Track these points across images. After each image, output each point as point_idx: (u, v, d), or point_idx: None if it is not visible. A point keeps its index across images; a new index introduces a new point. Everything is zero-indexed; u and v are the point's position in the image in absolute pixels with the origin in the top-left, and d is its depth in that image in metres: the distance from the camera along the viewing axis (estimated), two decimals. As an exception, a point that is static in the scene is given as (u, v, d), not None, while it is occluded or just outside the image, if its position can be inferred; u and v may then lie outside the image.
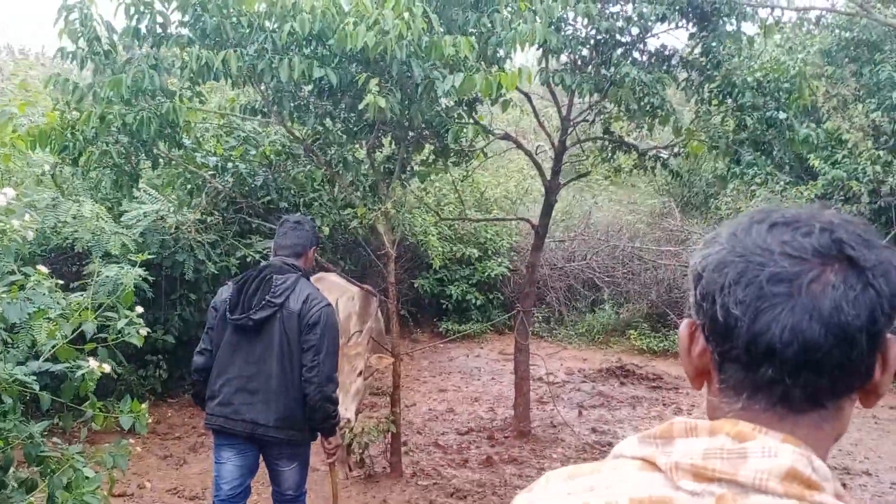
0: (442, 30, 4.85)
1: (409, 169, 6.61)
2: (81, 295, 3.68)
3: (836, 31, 11.68)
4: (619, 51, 6.29)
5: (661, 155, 7.36)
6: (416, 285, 12.19)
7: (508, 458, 7.09)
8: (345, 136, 6.01)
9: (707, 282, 0.91)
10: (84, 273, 4.08)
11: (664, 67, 6.40)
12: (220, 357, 4.21)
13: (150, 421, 3.84)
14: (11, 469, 3.20)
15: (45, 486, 3.22)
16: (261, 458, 4.37)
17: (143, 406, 3.63)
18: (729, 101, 6.48)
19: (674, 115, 6.37)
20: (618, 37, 6.26)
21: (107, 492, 3.57)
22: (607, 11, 6.24)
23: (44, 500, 3.17)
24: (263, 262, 4.36)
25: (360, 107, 4.82)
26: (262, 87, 5.39)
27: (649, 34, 6.38)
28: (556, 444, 7.53)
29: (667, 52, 6.53)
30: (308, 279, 4.29)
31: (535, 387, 8.59)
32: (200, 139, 6.69)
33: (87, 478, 3.32)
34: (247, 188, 7.17)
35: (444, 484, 6.41)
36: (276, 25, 4.83)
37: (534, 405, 8.29)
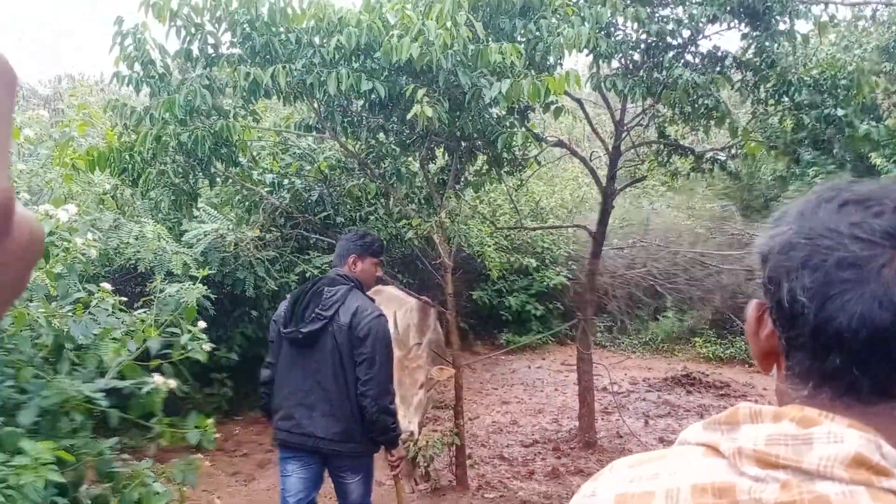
0: (489, 38, 4.85)
1: (462, 179, 6.61)
2: (145, 312, 3.73)
3: (893, 27, 11.39)
4: (671, 53, 6.21)
5: (719, 157, 7.24)
6: (474, 297, 12.17)
7: (575, 470, 7.01)
8: (398, 149, 6.03)
9: (774, 265, 0.88)
10: (147, 292, 4.14)
11: (717, 68, 6.30)
12: (280, 371, 4.25)
13: (217, 437, 3.87)
14: (83, 486, 3.24)
15: (117, 502, 3.26)
16: (325, 471, 4.38)
17: (210, 421, 3.66)
18: (785, 99, 6.35)
19: (729, 117, 6.27)
20: (669, 39, 6.18)
21: (177, 507, 3.60)
22: (657, 15, 6.17)
23: (116, 515, 3.21)
24: (322, 276, 4.37)
25: (409, 117, 4.84)
26: (314, 103, 5.44)
27: (701, 36, 6.29)
28: (623, 455, 7.40)
29: (720, 54, 6.42)
30: (361, 290, 4.28)
31: (599, 397, 8.50)
32: (256, 157, 6.77)
33: (157, 493, 3.34)
34: (303, 204, 7.23)
35: (510, 496, 6.36)
36: (323, 40, 4.88)
37: (599, 415, 8.19)
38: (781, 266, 0.86)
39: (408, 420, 5.45)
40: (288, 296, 4.41)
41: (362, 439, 4.17)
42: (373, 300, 4.34)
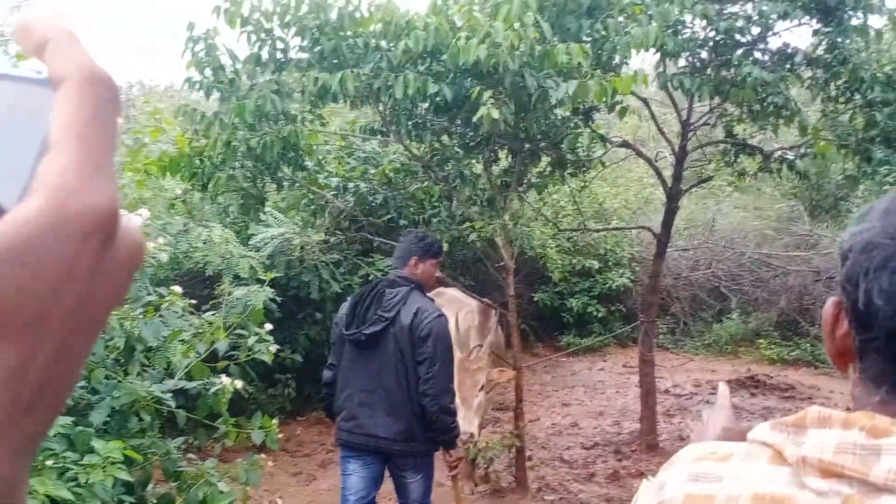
0: (555, 38, 4.82)
1: (525, 181, 6.58)
2: (213, 314, 3.79)
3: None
4: (740, 51, 6.10)
5: (787, 156, 7.10)
6: (535, 299, 12.11)
7: (636, 473, 6.94)
8: (461, 152, 6.03)
9: (852, 263, 0.84)
10: (215, 295, 4.21)
11: (787, 66, 6.18)
12: (343, 372, 4.31)
13: (280, 438, 3.92)
14: (150, 485, 3.31)
15: (182, 501, 3.32)
16: (386, 471, 4.42)
17: (274, 422, 3.71)
18: (857, 97, 6.20)
19: (799, 115, 6.15)
20: (737, 37, 6.08)
21: (241, 507, 3.65)
22: (726, 12, 6.07)
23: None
24: (381, 279, 4.41)
25: (474, 119, 4.83)
26: (380, 107, 5.47)
27: (770, 32, 6.17)
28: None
29: (790, 50, 6.29)
30: (421, 291, 4.30)
31: (661, 399, 8.40)
32: (322, 161, 6.84)
33: (221, 492, 3.40)
34: (368, 207, 7.29)
35: (570, 499, 6.32)
36: (390, 44, 4.90)
37: (661, 418, 8.09)
38: (860, 265, 0.83)
39: (468, 421, 5.46)
40: (349, 298, 4.45)
41: (423, 439, 4.19)
42: (433, 301, 4.35)
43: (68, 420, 2.88)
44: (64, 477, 2.70)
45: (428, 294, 4.41)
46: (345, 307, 4.36)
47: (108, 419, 3.19)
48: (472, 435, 5.52)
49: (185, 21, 5.21)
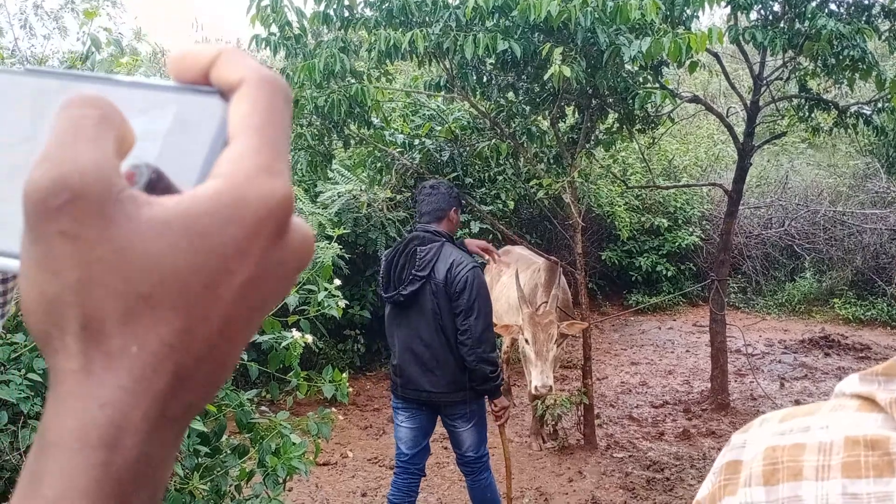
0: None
1: (593, 138, 6.50)
2: (283, 270, 3.84)
3: None
4: (814, 2, 5.91)
5: (864, 111, 6.88)
6: (603, 258, 12.02)
7: (706, 432, 6.89)
8: (528, 108, 5.98)
9: None
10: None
11: (864, 18, 5.97)
12: (388, 328, 4.46)
13: (350, 392, 3.98)
14: (225, 436, 3.39)
15: (256, 451, 3.39)
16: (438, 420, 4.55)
17: (344, 376, 3.76)
18: (938, 50, 5.97)
19: (876, 68, 5.93)
20: (812, -12, 5.89)
21: (312, 458, 3.73)
22: (800, -38, 5.88)
23: (254, 464, 3.35)
24: (409, 235, 4.41)
25: (545, 77, 4.78)
26: (447, 63, 5.44)
27: (847, -17, 5.97)
28: (757, 418, 7.24)
29: (866, 2, 6.07)
30: (454, 243, 4.33)
31: (732, 359, 8.30)
32: (388, 118, 6.85)
33: (294, 444, 3.47)
34: (434, 164, 7.28)
35: (639, 457, 6.31)
36: (459, 1, 4.86)
37: (732, 377, 8.01)
38: None
39: (545, 375, 5.50)
40: (382, 256, 4.50)
41: (470, 387, 4.28)
42: (466, 251, 4.38)
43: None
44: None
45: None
46: (383, 264, 4.44)
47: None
48: (550, 388, 5.55)
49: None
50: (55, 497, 0.33)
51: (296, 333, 3.52)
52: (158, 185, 0.36)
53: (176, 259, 0.34)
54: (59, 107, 0.36)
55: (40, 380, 2.77)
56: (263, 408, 3.78)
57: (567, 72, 4.58)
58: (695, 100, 7.01)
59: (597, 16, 4.58)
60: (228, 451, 3.34)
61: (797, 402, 7.68)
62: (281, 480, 3.35)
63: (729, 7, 5.90)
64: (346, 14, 5.22)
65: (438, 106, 7.41)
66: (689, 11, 5.22)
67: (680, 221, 12.46)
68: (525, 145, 6.11)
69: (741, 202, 7.87)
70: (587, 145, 6.39)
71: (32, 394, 2.72)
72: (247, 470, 3.32)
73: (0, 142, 0.39)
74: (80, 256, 0.33)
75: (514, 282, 5.84)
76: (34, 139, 0.38)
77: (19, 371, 2.73)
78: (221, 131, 0.38)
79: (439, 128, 7.17)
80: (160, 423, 0.35)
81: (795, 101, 7.26)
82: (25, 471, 0.34)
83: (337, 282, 3.86)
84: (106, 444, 0.33)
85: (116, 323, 0.34)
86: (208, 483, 3.03)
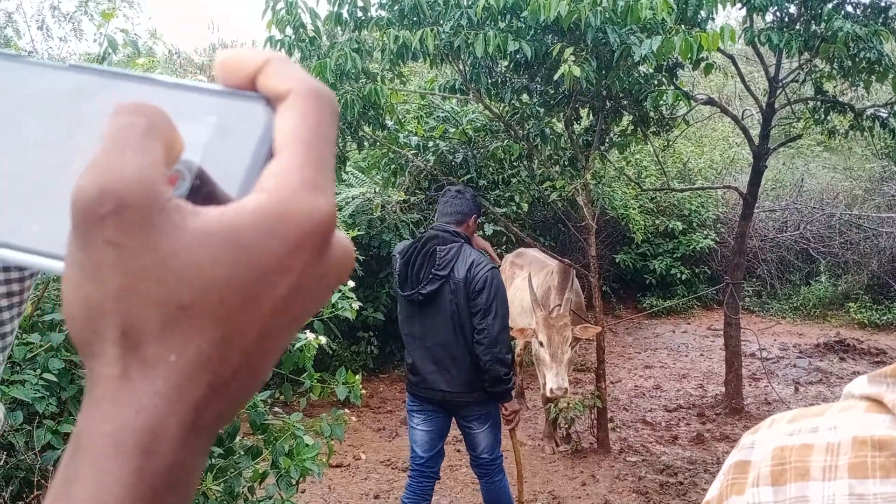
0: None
1: (607, 140, 6.49)
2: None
3: None
4: (830, 4, 5.88)
5: (880, 114, 6.84)
6: (617, 260, 11.99)
7: (720, 436, 6.86)
8: (542, 110, 5.97)
9: None
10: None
11: (881, 20, 5.93)
12: (403, 328, 4.46)
13: (363, 394, 3.98)
14: (238, 437, 3.40)
15: (269, 452, 3.40)
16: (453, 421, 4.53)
17: (357, 377, 3.77)
18: (956, 53, 5.92)
19: (893, 71, 5.90)
20: (828, -11, 5.86)
21: (325, 460, 3.73)
22: (816, -37, 5.86)
23: (267, 466, 3.35)
24: (426, 233, 4.41)
25: (556, 77, 4.78)
26: (460, 65, 5.44)
27: (863, -15, 5.94)
28: (767, 418, 7.19)
29: (883, 4, 6.03)
30: (471, 245, 4.34)
31: (746, 363, 8.26)
32: (402, 120, 6.85)
33: (307, 445, 3.47)
34: (447, 166, 7.30)
35: (653, 461, 6.29)
36: (470, 1, 4.86)
37: (746, 382, 7.97)
38: None
39: (560, 377, 5.51)
40: (396, 253, 4.50)
41: (482, 388, 4.27)
42: (481, 253, 4.38)
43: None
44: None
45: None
46: (396, 263, 4.42)
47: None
48: (565, 390, 5.54)
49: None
50: (87, 500, 0.33)
51: (309, 335, 3.52)
52: (201, 190, 0.37)
53: (217, 270, 0.35)
54: (109, 113, 0.36)
55: (55, 380, 2.77)
56: (277, 409, 3.78)
57: (577, 71, 4.58)
58: (710, 102, 6.98)
59: (607, 15, 4.57)
60: (242, 453, 3.34)
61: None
62: (294, 482, 3.35)
63: (744, 9, 5.88)
64: (360, 15, 5.23)
65: (452, 108, 7.41)
66: (703, 14, 5.20)
67: (694, 224, 12.42)
68: (539, 147, 6.10)
69: (756, 205, 7.83)
70: (601, 147, 6.37)
71: (48, 394, 2.73)
72: (260, 471, 3.32)
73: (42, 136, 0.39)
74: (123, 265, 0.34)
75: (527, 284, 5.83)
76: (75, 136, 0.39)
77: (35, 371, 2.74)
78: (265, 139, 0.38)
79: (453, 130, 7.18)
80: (194, 431, 0.35)
81: (811, 104, 7.22)
82: (59, 473, 0.35)
83: (351, 283, 3.86)
84: (141, 450, 0.34)
85: (155, 331, 0.34)
86: (221, 484, 3.04)
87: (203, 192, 0.37)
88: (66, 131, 0.39)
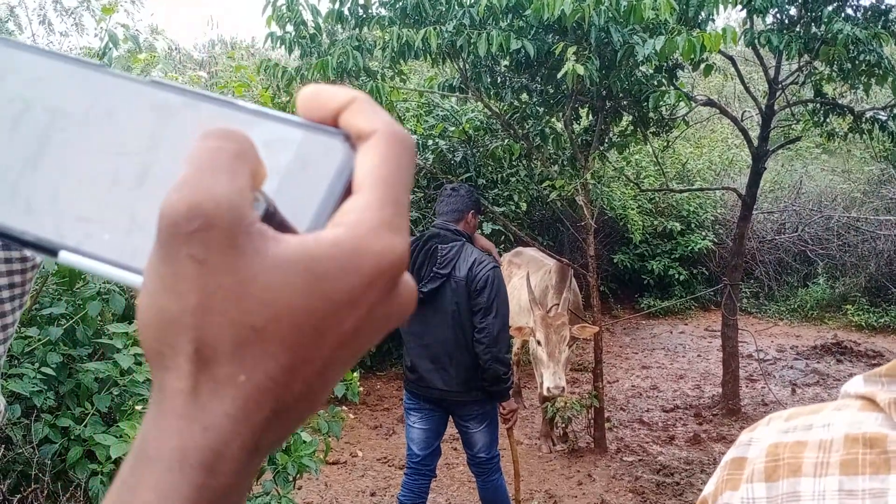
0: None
1: (607, 140, 6.49)
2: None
3: None
4: (831, 7, 5.89)
5: (880, 117, 6.84)
6: (615, 260, 11.99)
7: (717, 437, 6.87)
8: (542, 109, 5.97)
9: None
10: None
11: (881, 22, 5.94)
12: (402, 325, 4.37)
13: (360, 391, 3.98)
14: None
15: (267, 448, 3.40)
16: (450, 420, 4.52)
17: (355, 375, 3.77)
18: (955, 56, 5.93)
19: (892, 74, 5.91)
20: (828, -8, 5.87)
21: (322, 457, 3.73)
22: (817, -35, 5.86)
23: (264, 462, 3.35)
24: (427, 232, 4.42)
25: (559, 76, 4.78)
26: (460, 64, 5.44)
27: (863, -13, 5.95)
28: (765, 417, 7.20)
29: (883, 7, 6.04)
30: (472, 243, 4.34)
31: (744, 364, 8.27)
32: (402, 118, 6.85)
33: (304, 442, 3.48)
34: (447, 165, 7.30)
35: (649, 461, 6.30)
36: (472, 0, 4.86)
37: (743, 383, 7.98)
38: None
39: (557, 376, 5.51)
40: None
41: (480, 387, 4.26)
42: (482, 251, 4.38)
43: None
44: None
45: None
46: None
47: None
48: (563, 389, 5.54)
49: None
50: None
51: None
52: (273, 219, 0.37)
53: (292, 298, 0.35)
54: (194, 135, 0.37)
55: (53, 374, 2.78)
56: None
57: (580, 70, 4.58)
58: (709, 103, 6.99)
59: (610, 15, 4.58)
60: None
61: (809, 408, 7.64)
62: (291, 478, 3.35)
63: (745, 11, 5.89)
64: (361, 12, 5.23)
65: (452, 106, 7.41)
66: (703, 14, 5.21)
67: (693, 225, 12.42)
68: (539, 147, 6.10)
69: (755, 207, 7.84)
70: (601, 147, 6.38)
71: (45, 388, 2.73)
72: (257, 467, 3.32)
73: (120, 148, 0.40)
74: (203, 282, 0.35)
75: (524, 284, 5.83)
76: (154, 152, 0.40)
77: (33, 365, 2.74)
78: (342, 174, 0.39)
79: (452, 128, 7.18)
80: (254, 454, 0.36)
81: (810, 106, 7.23)
82: (119, 479, 0.36)
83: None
84: (205, 467, 0.34)
85: (228, 351, 0.35)
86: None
87: (274, 220, 0.37)
88: (145, 146, 0.40)
